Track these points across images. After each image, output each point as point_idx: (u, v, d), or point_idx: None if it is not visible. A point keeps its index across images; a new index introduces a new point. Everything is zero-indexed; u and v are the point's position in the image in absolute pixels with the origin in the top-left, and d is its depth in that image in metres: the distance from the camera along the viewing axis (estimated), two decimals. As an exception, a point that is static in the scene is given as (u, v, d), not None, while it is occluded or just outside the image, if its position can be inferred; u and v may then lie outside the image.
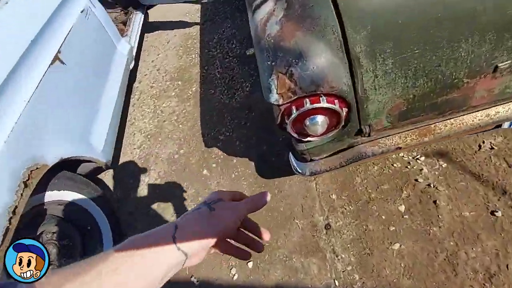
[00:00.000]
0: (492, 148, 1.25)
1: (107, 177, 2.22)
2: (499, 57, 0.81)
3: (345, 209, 1.37)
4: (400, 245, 1.20)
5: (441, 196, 1.22)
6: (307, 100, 0.89)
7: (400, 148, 1.04)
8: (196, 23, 3.22)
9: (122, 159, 2.26)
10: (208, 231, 0.34)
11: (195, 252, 0.33)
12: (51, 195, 1.31)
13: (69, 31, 1.67)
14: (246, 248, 0.41)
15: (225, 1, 3.22)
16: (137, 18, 3.04)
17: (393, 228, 1.24)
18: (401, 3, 0.73)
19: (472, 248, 1.08)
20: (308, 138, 1.06)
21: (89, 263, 0.28)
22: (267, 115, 1.97)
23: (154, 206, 1.85)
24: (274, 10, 0.93)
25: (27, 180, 1.13)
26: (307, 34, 0.82)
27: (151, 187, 1.97)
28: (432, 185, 1.26)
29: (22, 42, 1.37)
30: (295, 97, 0.87)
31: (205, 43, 2.89)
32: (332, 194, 1.43)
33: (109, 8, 3.30)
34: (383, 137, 1.06)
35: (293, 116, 0.92)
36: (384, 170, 1.39)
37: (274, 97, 0.89)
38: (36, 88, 1.34)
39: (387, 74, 0.85)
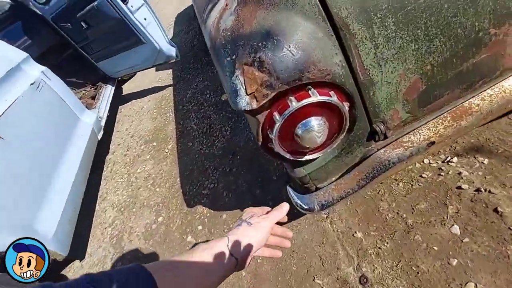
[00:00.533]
0: (535, 127, 1.00)
1: (72, 271, 1.76)
2: (527, -10, 0.62)
3: (380, 248, 1.00)
4: (476, 284, 0.82)
5: (500, 201, 0.90)
6: (292, 98, 0.64)
7: (433, 143, 0.75)
8: (169, 85, 3.18)
9: (91, 244, 1.85)
10: (251, 240, 0.47)
11: (243, 257, 0.45)
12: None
13: (12, 103, 1.47)
14: (277, 248, 0.55)
15: (194, 60, 3.26)
16: (107, 91, 2.97)
17: (456, 261, 0.87)
18: None
19: None
20: (307, 157, 0.78)
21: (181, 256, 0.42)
22: (255, 154, 1.70)
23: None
24: (227, 5, 0.74)
25: None
26: (271, 9, 0.61)
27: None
28: (482, 189, 0.94)
29: None
30: (273, 93, 0.61)
31: (179, 100, 2.77)
32: (356, 232, 1.07)
33: (79, 87, 3.27)
34: (405, 135, 0.78)
35: (277, 125, 0.66)
36: (412, 185, 1.08)
37: (244, 101, 0.62)
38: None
39: (391, 40, 0.62)
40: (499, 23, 0.64)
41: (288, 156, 0.75)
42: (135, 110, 3.19)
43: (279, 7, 0.61)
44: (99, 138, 2.28)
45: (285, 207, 0.56)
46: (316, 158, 0.80)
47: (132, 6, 2.23)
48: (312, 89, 0.64)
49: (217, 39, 0.73)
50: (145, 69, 2.83)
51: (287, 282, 1.07)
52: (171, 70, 3.45)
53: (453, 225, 0.93)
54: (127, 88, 3.78)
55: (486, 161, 1.00)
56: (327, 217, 1.18)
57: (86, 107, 2.34)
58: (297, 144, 0.72)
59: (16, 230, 1.20)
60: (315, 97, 0.63)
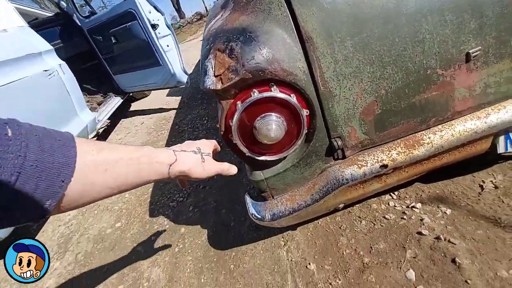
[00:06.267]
0: (496, 187, 1.00)
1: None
2: (466, 42, 0.72)
3: (331, 284, 0.92)
4: None
5: (459, 252, 0.85)
6: (255, 90, 0.70)
7: (386, 166, 0.77)
8: (173, 109, 3.35)
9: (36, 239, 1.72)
10: (196, 172, 0.49)
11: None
12: None
13: (18, 79, 1.58)
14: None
15: (203, 92, 3.49)
16: (113, 101, 3.14)
17: (406, 308, 0.79)
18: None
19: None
20: (264, 157, 0.79)
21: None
22: (232, 177, 1.69)
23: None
24: (222, 14, 0.87)
25: None
26: (251, 14, 0.72)
27: (57, 276, 1.38)
28: (442, 238, 0.90)
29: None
30: (237, 78, 0.67)
31: (177, 121, 2.89)
32: (309, 264, 1.00)
33: (92, 94, 3.46)
34: (361, 154, 0.81)
35: (238, 112, 0.70)
36: (375, 224, 1.04)
37: (211, 80, 0.69)
38: None
39: (349, 60, 0.71)
40: (445, 65, 0.73)
41: (245, 151, 0.77)
42: (134, 124, 3.30)
43: (257, 13, 0.71)
44: (89, 137, 2.33)
45: (233, 169, 0.57)
46: (274, 161, 0.82)
47: (159, 33, 2.52)
48: (275, 86, 0.70)
49: (206, 36, 0.84)
50: (156, 89, 3.04)
51: (225, 305, 0.96)
52: (180, 97, 3.68)
53: (408, 269, 0.87)
54: (136, 106, 3.98)
55: (448, 211, 0.99)
56: (284, 244, 1.12)
57: (89, 109, 2.45)
58: (255, 140, 0.75)
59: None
60: (275, 92, 0.69)
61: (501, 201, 0.95)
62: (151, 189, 1.83)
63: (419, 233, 0.95)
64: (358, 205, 1.14)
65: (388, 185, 0.89)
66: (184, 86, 2.84)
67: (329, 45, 0.70)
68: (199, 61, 5.91)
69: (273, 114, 0.71)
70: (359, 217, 1.09)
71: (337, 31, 0.69)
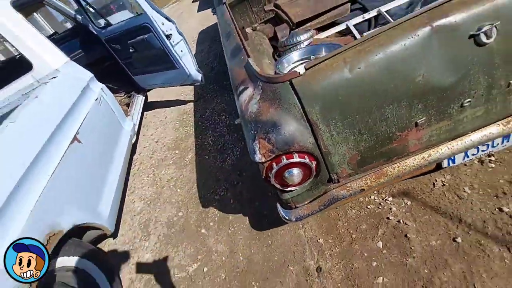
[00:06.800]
0: (443, 184, 1.51)
1: (107, 247, 2.27)
2: (415, 116, 1.14)
3: (332, 251, 1.51)
4: (383, 279, 1.32)
5: (410, 230, 1.41)
6: (284, 157, 1.17)
7: (363, 189, 1.28)
8: (190, 101, 3.74)
9: (122, 227, 2.36)
10: None
11: None
12: (61, 261, 1.40)
13: (86, 116, 2.01)
14: None
15: (213, 81, 3.82)
16: (139, 100, 3.51)
17: (375, 263, 1.38)
18: (338, 85, 1.07)
19: (443, 273, 1.22)
20: (289, 188, 1.30)
21: None
22: (257, 175, 2.23)
23: (154, 270, 1.91)
24: (253, 94, 1.28)
25: (46, 245, 1.26)
26: (278, 110, 1.15)
27: (151, 251, 2.04)
28: (401, 221, 1.46)
29: (48, 128, 1.67)
30: (273, 155, 1.14)
31: (198, 117, 3.32)
32: (319, 239, 1.59)
33: (114, 93, 3.83)
34: (348, 182, 1.31)
35: (274, 170, 1.18)
36: (360, 212, 1.59)
37: (258, 157, 1.16)
38: (58, 164, 1.58)
39: (340, 133, 1.15)
40: (401, 130, 1.17)
41: (279, 187, 1.27)
42: (159, 118, 3.74)
43: (282, 110, 1.14)
44: (133, 141, 2.82)
45: None
46: (295, 190, 1.33)
47: (173, 41, 2.79)
48: (295, 153, 1.17)
49: (245, 115, 1.26)
50: (173, 86, 3.39)
51: (270, 267, 1.58)
52: (193, 87, 4.01)
53: (378, 241, 1.44)
54: (152, 97, 4.34)
55: (409, 203, 1.52)
56: (302, 227, 1.69)
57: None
58: (284, 181, 1.24)
59: (88, 210, 1.73)
60: (296, 158, 1.16)
61: (444, 195, 1.47)
62: (195, 184, 2.40)
63: (388, 218, 1.50)
64: (351, 198, 1.68)
65: (366, 194, 1.40)
66: (199, 84, 3.19)
67: (327, 127, 1.14)
68: (199, 35, 5.88)
69: (295, 169, 1.20)
70: (350, 207, 1.64)
71: (332, 118, 1.12)
